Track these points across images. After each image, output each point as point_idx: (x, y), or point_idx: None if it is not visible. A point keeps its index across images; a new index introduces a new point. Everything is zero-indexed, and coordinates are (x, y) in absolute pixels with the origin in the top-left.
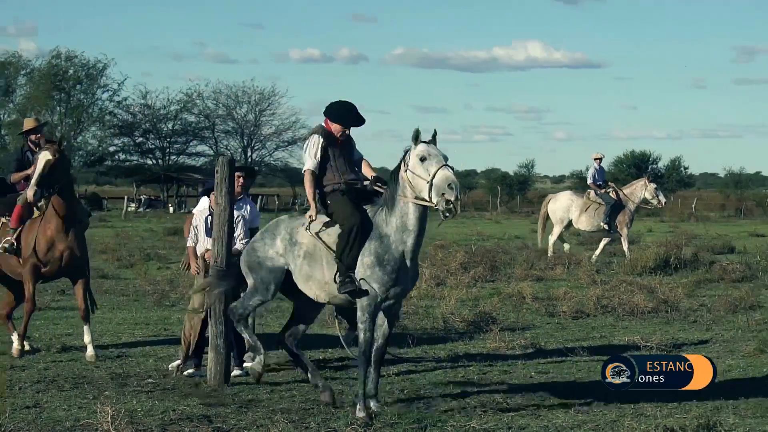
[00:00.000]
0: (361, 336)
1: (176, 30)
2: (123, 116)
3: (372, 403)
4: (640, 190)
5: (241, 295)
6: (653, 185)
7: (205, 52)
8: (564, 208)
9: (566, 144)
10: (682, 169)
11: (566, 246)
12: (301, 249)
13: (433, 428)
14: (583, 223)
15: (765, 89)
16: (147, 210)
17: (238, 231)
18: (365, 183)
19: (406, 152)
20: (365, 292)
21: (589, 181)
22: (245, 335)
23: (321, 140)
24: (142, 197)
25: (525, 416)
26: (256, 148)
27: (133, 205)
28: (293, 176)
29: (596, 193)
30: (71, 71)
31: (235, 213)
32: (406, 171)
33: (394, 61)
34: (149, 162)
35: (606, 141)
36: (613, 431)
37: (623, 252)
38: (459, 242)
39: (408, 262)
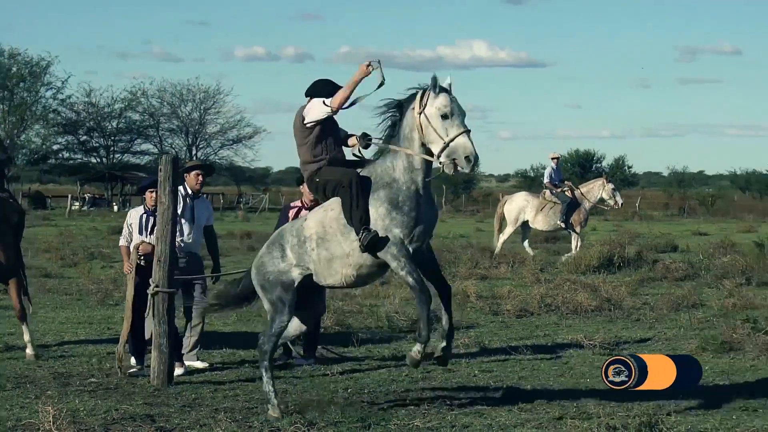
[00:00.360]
0: (410, 279)
1: (122, 28)
2: (67, 114)
3: (440, 347)
4: (597, 189)
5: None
6: (611, 185)
7: (150, 51)
8: (519, 208)
9: (511, 143)
10: (626, 168)
11: (531, 251)
12: (312, 240)
13: (376, 427)
14: (539, 223)
15: (708, 88)
16: (91, 209)
17: (188, 230)
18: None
19: (422, 91)
20: (386, 239)
21: (546, 180)
22: (265, 379)
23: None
24: (86, 196)
25: (469, 415)
26: (201, 146)
27: (77, 203)
28: (238, 175)
29: (552, 193)
30: (14, 69)
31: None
32: (420, 114)
33: (340, 60)
34: (93, 160)
35: (551, 140)
36: (556, 429)
37: (568, 250)
38: None
39: (423, 199)
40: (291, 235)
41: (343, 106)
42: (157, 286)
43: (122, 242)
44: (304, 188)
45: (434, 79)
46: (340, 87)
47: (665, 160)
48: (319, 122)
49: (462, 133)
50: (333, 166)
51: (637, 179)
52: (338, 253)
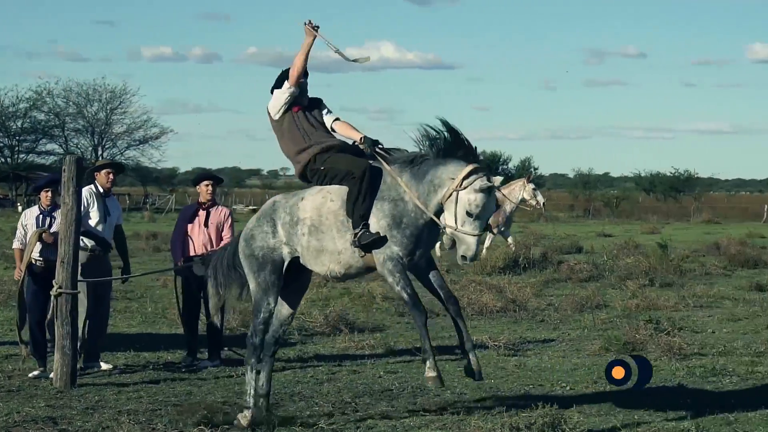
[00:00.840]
0: (405, 295)
1: (28, 28)
2: None
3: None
4: (518, 190)
5: None
6: (531, 185)
7: (56, 50)
8: None
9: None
10: (533, 169)
11: (438, 252)
12: (305, 225)
13: (281, 428)
14: None
15: (613, 91)
16: None
17: (101, 229)
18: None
19: (471, 171)
20: (384, 240)
21: None
22: (246, 378)
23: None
24: None
25: (374, 416)
26: (107, 146)
27: None
28: (145, 175)
29: None
30: None
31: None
32: (455, 190)
33: (248, 61)
34: None
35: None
36: (460, 430)
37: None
38: None
39: (426, 225)
40: (284, 212)
41: (301, 78)
42: (60, 288)
43: (16, 245)
44: (201, 188)
45: (487, 174)
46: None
47: (571, 161)
48: (287, 110)
49: (476, 236)
50: (343, 153)
51: (543, 181)
52: (329, 248)
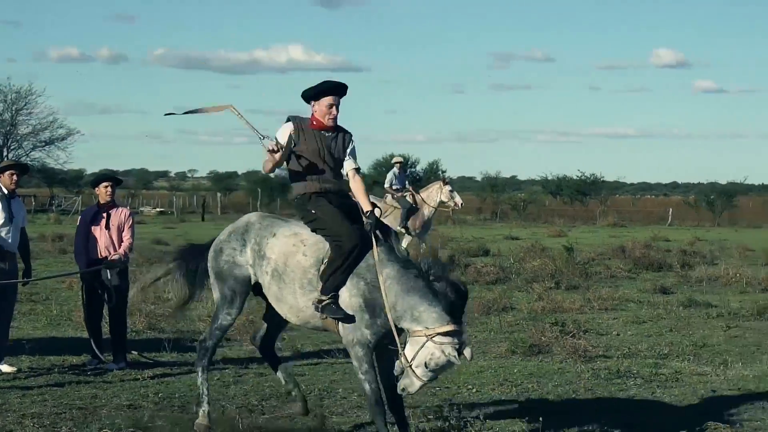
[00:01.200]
0: (367, 387)
1: None
2: None
3: None
4: (435, 193)
5: None
6: (448, 187)
7: None
8: None
9: None
10: (440, 172)
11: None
12: (269, 266)
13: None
14: None
15: (520, 95)
16: None
17: (6, 230)
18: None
19: (444, 325)
20: (351, 318)
21: (386, 185)
22: (199, 380)
23: (291, 125)
24: None
25: (279, 419)
26: (12, 147)
27: None
28: (51, 176)
29: (393, 197)
30: None
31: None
32: (426, 335)
33: (155, 62)
34: None
35: (367, 144)
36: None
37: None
38: None
39: None
40: (254, 238)
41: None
42: None
43: None
44: (100, 189)
45: (461, 343)
46: (323, 87)
47: (479, 164)
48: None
49: (422, 381)
50: (335, 209)
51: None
52: (290, 302)
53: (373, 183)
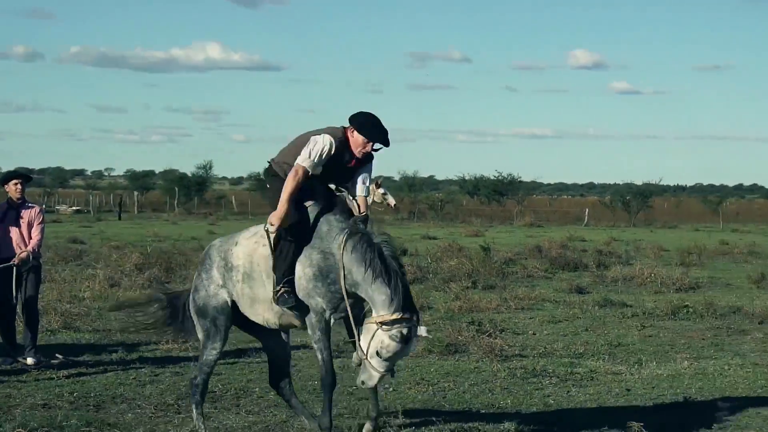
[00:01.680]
0: (319, 356)
1: None
2: None
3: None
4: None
5: None
6: (381, 190)
7: None
8: None
9: (244, 146)
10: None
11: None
12: (239, 272)
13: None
14: None
15: (437, 95)
16: None
17: None
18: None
19: (398, 316)
20: (305, 308)
21: None
22: (194, 415)
23: (332, 146)
24: None
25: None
26: None
27: None
28: None
29: None
30: None
31: None
32: (376, 323)
33: (72, 60)
34: None
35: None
36: (282, 431)
37: None
38: (135, 243)
39: None
40: (218, 256)
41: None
42: None
43: None
44: (9, 187)
45: (411, 326)
46: (385, 129)
47: (396, 164)
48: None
49: (379, 372)
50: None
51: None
52: (261, 296)
53: None
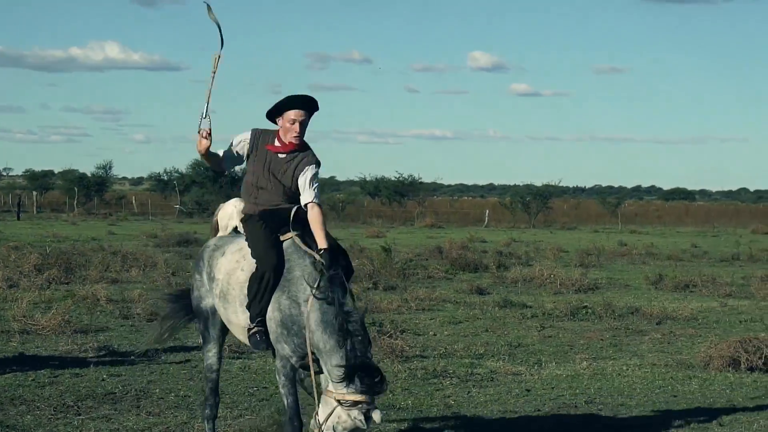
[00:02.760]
0: (284, 401)
1: None
2: None
3: None
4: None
5: None
6: None
7: None
8: (228, 215)
9: (145, 146)
10: None
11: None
12: (218, 287)
13: None
14: None
15: (338, 95)
16: None
17: None
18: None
19: (355, 402)
20: (273, 349)
21: None
22: (206, 427)
23: (248, 135)
24: None
25: (95, 419)
26: None
27: None
28: None
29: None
30: None
31: None
32: (335, 401)
33: None
34: None
35: (185, 143)
36: None
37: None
38: (33, 244)
39: None
40: (207, 262)
41: (220, 167)
42: None
43: None
44: None
45: (369, 410)
46: (285, 100)
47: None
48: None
49: None
50: (263, 230)
51: None
52: (235, 322)
53: (192, 182)
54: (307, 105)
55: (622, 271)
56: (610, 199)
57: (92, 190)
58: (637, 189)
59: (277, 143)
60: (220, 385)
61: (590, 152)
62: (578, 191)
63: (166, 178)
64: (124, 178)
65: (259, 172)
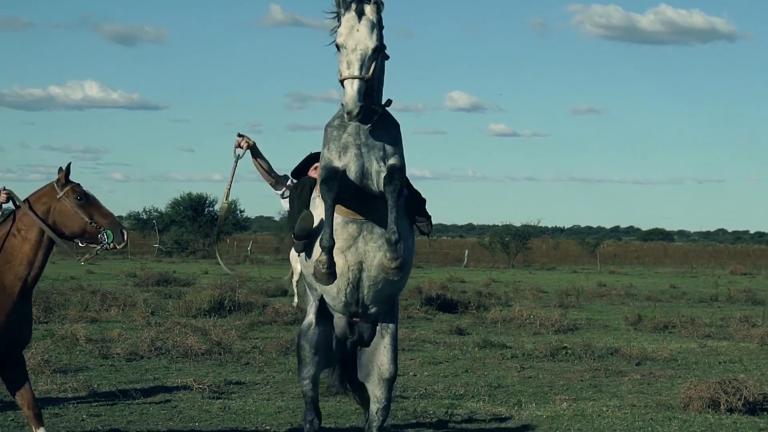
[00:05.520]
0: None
1: None
2: None
3: None
4: None
5: None
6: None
7: None
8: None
9: (123, 185)
10: (239, 212)
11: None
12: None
13: None
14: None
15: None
16: None
17: None
18: None
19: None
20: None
21: None
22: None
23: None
24: None
25: None
26: None
27: None
28: None
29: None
30: None
31: None
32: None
33: None
34: None
35: (164, 182)
36: None
37: (179, 293)
38: None
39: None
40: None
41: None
42: None
43: None
44: None
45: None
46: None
47: (275, 204)
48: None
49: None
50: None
51: (249, 223)
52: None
53: (171, 221)
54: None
55: (602, 312)
56: (589, 240)
57: None
58: (616, 229)
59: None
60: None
61: (569, 193)
62: (557, 231)
63: (145, 216)
64: None
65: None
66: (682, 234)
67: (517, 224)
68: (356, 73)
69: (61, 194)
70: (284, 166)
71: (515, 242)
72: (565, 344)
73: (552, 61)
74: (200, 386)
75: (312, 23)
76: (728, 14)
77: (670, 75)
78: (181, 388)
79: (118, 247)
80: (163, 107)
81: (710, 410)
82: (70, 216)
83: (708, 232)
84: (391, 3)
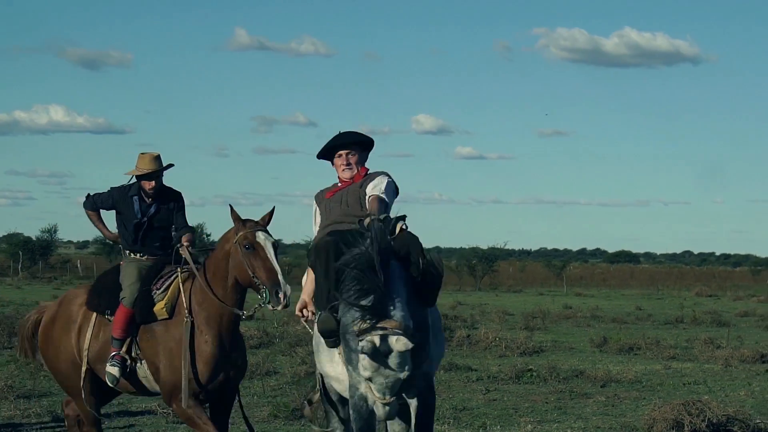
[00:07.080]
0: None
1: None
2: None
3: None
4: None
5: None
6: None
7: None
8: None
9: None
10: (205, 236)
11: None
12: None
13: None
14: None
15: (283, 159)
16: None
17: None
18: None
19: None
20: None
21: None
22: None
23: (317, 199)
24: None
25: None
26: None
27: None
28: None
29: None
30: None
31: None
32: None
33: None
34: None
35: None
36: None
37: None
38: None
39: None
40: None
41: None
42: None
43: None
44: None
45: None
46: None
47: None
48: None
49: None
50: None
51: (215, 246)
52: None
53: None
54: (349, 145)
55: (567, 334)
56: (555, 262)
57: (37, 253)
58: (582, 252)
59: (338, 184)
60: None
61: (535, 215)
62: (524, 254)
63: (110, 242)
64: (70, 242)
65: (326, 218)
66: (648, 256)
67: (484, 247)
68: (388, 398)
69: (236, 238)
70: (251, 189)
71: (482, 265)
72: (530, 366)
73: (518, 83)
74: (164, 411)
75: (277, 47)
76: (692, 37)
77: (635, 97)
78: (146, 413)
79: (276, 309)
80: (128, 131)
81: None
82: (238, 265)
83: (674, 254)
84: (358, 27)
